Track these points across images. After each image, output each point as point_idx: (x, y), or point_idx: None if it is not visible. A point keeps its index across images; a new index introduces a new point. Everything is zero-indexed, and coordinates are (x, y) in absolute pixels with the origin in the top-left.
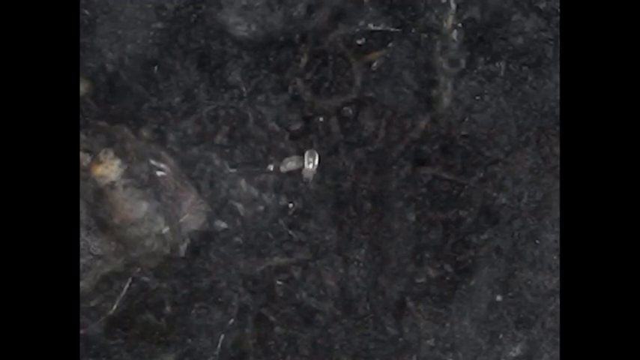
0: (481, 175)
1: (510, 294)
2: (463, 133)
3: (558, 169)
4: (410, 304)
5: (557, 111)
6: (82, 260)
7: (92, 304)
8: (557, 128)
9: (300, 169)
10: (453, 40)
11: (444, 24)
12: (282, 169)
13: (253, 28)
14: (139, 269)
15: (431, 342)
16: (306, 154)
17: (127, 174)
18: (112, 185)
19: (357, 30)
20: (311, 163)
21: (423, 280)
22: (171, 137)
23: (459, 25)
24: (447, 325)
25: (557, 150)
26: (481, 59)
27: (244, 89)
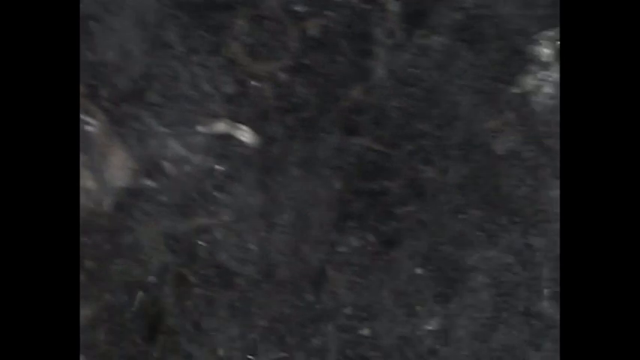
0: (410, 147)
1: (430, 267)
2: (395, 104)
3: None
4: (330, 272)
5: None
6: None
7: None
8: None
9: (229, 134)
10: (391, 12)
11: None
12: (212, 130)
13: None
14: None
15: (348, 310)
16: (237, 130)
17: None
18: None
19: None
20: (244, 136)
21: (344, 249)
22: (102, 93)
23: None
24: (366, 294)
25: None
26: (418, 32)
27: (179, 49)
